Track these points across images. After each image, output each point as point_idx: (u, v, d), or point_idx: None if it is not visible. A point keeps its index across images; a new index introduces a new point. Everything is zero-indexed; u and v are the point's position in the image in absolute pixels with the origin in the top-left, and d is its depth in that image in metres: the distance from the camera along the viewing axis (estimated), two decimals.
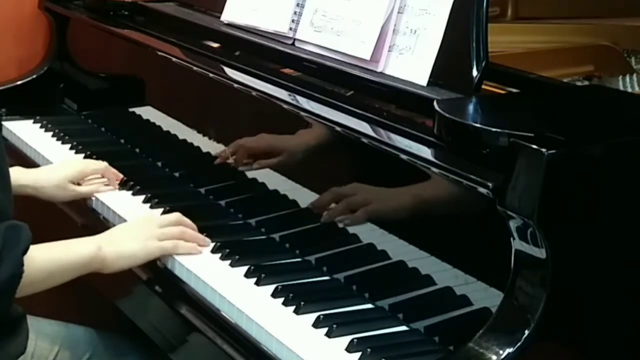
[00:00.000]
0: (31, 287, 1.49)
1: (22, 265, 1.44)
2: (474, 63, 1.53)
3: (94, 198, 1.93)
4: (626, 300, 1.34)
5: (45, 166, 2.07)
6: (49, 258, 1.54)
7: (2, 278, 1.42)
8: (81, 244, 1.62)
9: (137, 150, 2.22)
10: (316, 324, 1.45)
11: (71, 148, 2.22)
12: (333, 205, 1.61)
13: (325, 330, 1.44)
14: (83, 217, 1.93)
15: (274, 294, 1.54)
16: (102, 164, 1.98)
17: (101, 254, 1.60)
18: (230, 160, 1.85)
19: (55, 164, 2.08)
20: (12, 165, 1.64)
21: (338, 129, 1.59)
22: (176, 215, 1.73)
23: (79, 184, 1.94)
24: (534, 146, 1.23)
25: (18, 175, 1.83)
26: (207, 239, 1.71)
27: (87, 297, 2.22)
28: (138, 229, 1.69)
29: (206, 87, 1.96)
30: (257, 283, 1.58)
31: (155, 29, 2.20)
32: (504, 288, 1.29)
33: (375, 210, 1.55)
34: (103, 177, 1.98)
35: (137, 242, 1.65)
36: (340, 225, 1.60)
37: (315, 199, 1.65)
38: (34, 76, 2.52)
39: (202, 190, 1.96)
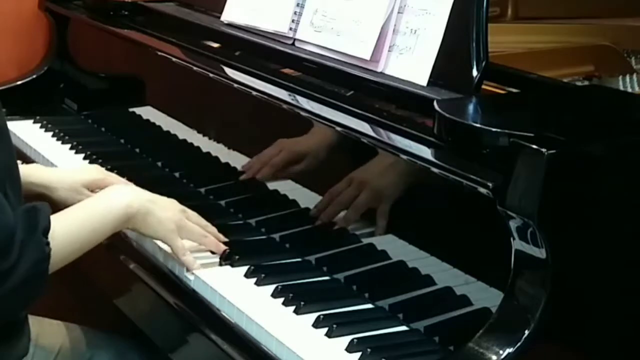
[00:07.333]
0: (66, 260, 1.49)
1: (46, 245, 1.43)
2: (474, 63, 1.53)
3: None
4: (626, 300, 1.34)
5: (61, 168, 2.01)
6: (73, 229, 1.52)
7: (28, 265, 1.40)
8: (111, 202, 1.60)
9: (137, 150, 2.22)
10: (316, 324, 1.45)
11: (71, 148, 2.22)
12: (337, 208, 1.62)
13: (325, 330, 1.44)
14: None
15: (274, 294, 1.54)
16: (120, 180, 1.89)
17: (131, 211, 1.59)
18: (258, 176, 1.83)
19: (72, 167, 2.00)
20: None
21: (338, 129, 1.59)
22: (205, 223, 1.70)
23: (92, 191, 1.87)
24: (534, 146, 1.23)
25: (32, 171, 1.81)
26: (223, 246, 1.67)
27: (87, 297, 2.22)
28: (170, 209, 1.65)
29: (206, 87, 1.96)
30: (257, 283, 1.58)
31: (155, 29, 2.20)
32: (504, 288, 1.29)
33: (375, 210, 1.55)
34: None
35: (164, 221, 1.62)
36: (340, 224, 1.61)
37: (318, 201, 1.65)
38: (34, 76, 2.51)
39: (202, 190, 1.96)
